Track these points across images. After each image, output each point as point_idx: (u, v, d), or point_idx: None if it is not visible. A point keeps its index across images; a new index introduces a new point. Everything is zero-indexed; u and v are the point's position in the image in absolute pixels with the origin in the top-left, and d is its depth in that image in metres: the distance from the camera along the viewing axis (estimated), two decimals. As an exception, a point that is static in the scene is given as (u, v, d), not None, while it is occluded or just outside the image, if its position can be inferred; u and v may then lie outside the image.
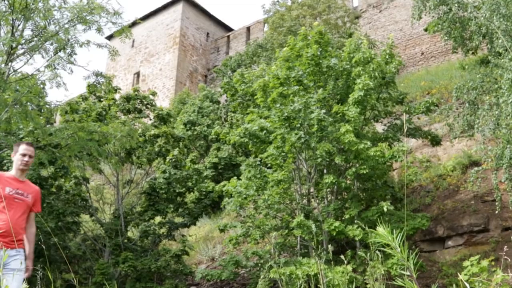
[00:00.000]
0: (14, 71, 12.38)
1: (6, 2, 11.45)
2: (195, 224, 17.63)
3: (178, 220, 17.55)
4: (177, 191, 16.81)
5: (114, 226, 16.14)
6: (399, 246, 2.24)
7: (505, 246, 8.06)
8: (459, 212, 14.23)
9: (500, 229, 13.32)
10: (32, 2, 11.52)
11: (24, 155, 5.16)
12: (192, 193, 17.67)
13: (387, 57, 13.55)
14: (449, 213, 14.39)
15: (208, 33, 41.95)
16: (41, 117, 13.67)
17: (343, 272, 9.87)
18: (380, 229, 2.30)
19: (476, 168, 12.70)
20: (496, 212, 12.33)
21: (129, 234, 17.48)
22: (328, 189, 12.71)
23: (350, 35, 21.27)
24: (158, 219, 17.23)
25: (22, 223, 5.07)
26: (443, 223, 14.15)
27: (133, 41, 40.76)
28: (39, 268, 7.30)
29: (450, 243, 13.89)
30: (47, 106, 13.98)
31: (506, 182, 11.38)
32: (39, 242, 13.57)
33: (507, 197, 12.17)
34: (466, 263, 9.09)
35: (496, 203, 11.98)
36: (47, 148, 13.06)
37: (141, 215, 16.76)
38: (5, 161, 14.88)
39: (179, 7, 40.39)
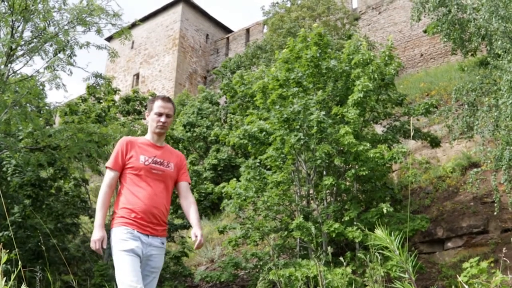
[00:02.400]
0: (14, 72, 12.39)
1: (6, 3, 11.46)
2: (194, 226, 17.58)
3: (177, 221, 17.54)
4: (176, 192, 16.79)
5: (114, 227, 16.12)
6: (398, 249, 2.24)
7: (504, 248, 8.05)
8: (458, 214, 14.23)
9: (499, 231, 13.32)
10: (32, 3, 11.54)
11: (159, 114, 3.99)
12: (191, 194, 17.64)
13: (386, 58, 13.55)
14: (448, 215, 14.39)
15: (207, 35, 41.95)
16: (41, 118, 13.69)
17: (342, 274, 9.87)
18: (379, 231, 2.30)
19: (475, 170, 12.70)
20: (495, 213, 12.33)
21: (129, 235, 17.45)
22: (328, 191, 12.71)
23: (349, 37, 21.25)
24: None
25: (165, 201, 3.94)
26: (442, 225, 14.15)
27: (133, 42, 40.75)
28: (38, 269, 7.30)
29: (449, 244, 13.88)
30: (46, 107, 14.00)
31: (505, 184, 11.38)
32: (39, 244, 13.60)
33: (507, 198, 12.17)
34: (465, 264, 9.10)
35: (495, 205, 11.98)
36: (46, 150, 13.06)
37: (140, 216, 16.73)
38: (4, 163, 14.88)
39: (178, 9, 40.39)
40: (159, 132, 4.01)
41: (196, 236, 3.83)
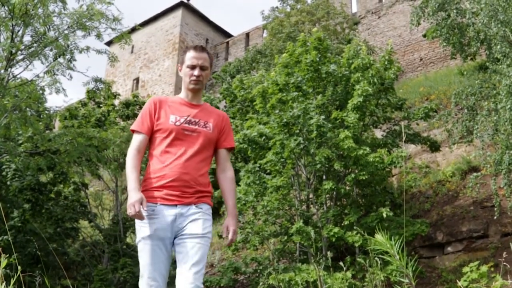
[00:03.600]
0: (14, 76, 12.41)
1: (6, 8, 11.47)
2: (194, 230, 17.57)
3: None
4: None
5: (113, 232, 16.13)
6: (398, 254, 2.24)
7: (505, 252, 8.05)
8: (458, 218, 14.22)
9: (499, 235, 13.30)
10: (32, 8, 11.55)
11: (192, 67, 3.41)
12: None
13: (386, 63, 13.57)
14: (448, 219, 14.38)
15: (207, 39, 41.98)
16: (40, 123, 13.69)
17: (342, 279, 9.86)
18: (379, 236, 2.30)
19: (475, 174, 12.69)
20: (495, 217, 12.32)
21: (128, 240, 17.46)
22: (327, 195, 12.70)
23: (349, 41, 21.29)
24: (157, 224, 17.20)
25: (201, 167, 3.33)
26: (442, 229, 14.13)
27: (133, 47, 40.77)
28: (37, 274, 7.29)
29: (449, 249, 13.86)
30: (46, 111, 14.00)
31: (505, 188, 11.38)
32: (37, 249, 13.60)
33: (506, 202, 12.17)
34: (465, 269, 9.11)
35: (495, 209, 11.98)
36: (46, 154, 13.06)
37: (140, 221, 16.74)
38: (4, 167, 14.88)
39: (178, 13, 40.44)
40: (193, 89, 3.43)
41: (228, 231, 3.29)
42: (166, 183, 3.19)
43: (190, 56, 3.41)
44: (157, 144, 3.34)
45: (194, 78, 3.38)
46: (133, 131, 3.42)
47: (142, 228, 3.16)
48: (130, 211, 3.01)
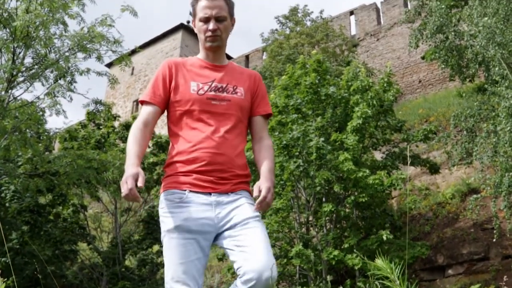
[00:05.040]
0: (14, 98, 12.44)
1: (8, 30, 11.55)
2: (193, 253, 17.48)
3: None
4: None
5: (112, 254, 16.05)
6: (398, 278, 2.22)
7: (505, 276, 7.99)
8: (458, 240, 14.15)
9: (500, 257, 13.23)
10: (34, 30, 11.63)
11: (206, 19, 2.64)
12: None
13: (385, 85, 13.61)
14: (448, 241, 14.31)
15: (207, 61, 42.21)
16: (40, 144, 13.71)
17: (342, 302, 9.79)
18: (379, 260, 2.29)
19: (475, 196, 12.67)
20: (496, 240, 12.26)
21: (127, 262, 17.36)
22: (327, 218, 12.66)
23: (348, 63, 21.39)
24: (156, 247, 17.12)
25: (236, 144, 2.65)
26: (443, 252, 14.06)
27: (133, 69, 40.98)
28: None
29: (450, 271, 13.78)
30: (46, 133, 14.02)
31: (505, 210, 11.34)
32: (35, 272, 13.50)
33: (507, 224, 12.12)
34: (466, 292, 9.04)
35: (495, 231, 11.93)
36: (45, 176, 13.05)
37: (139, 243, 16.67)
38: (3, 188, 14.85)
39: (178, 36, 40.72)
40: (210, 47, 2.69)
41: (260, 191, 2.49)
42: (197, 167, 2.52)
43: (202, 6, 2.65)
44: (179, 120, 2.67)
45: (209, 34, 2.64)
46: (142, 102, 2.75)
47: (166, 219, 2.49)
48: (122, 190, 2.29)
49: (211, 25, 2.62)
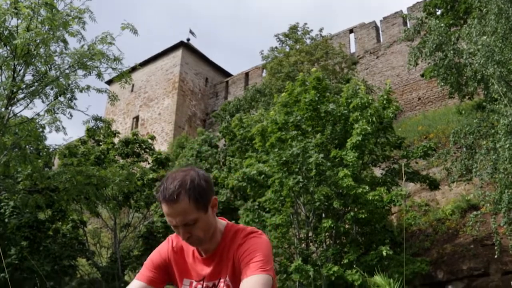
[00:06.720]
0: (14, 115, 12.47)
1: (9, 47, 11.62)
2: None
3: None
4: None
5: (111, 270, 16.00)
6: (397, 289, 2.24)
7: (506, 292, 7.98)
8: (458, 256, 14.12)
9: (500, 273, 13.20)
10: (34, 48, 11.69)
11: (173, 226, 2.26)
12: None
13: (384, 102, 13.67)
14: (448, 257, 14.28)
15: (207, 78, 42.35)
16: (40, 161, 13.70)
17: (342, 318, 9.75)
18: (378, 278, 2.30)
19: (475, 212, 12.66)
20: (496, 256, 12.24)
21: (126, 278, 17.28)
22: (327, 233, 12.64)
23: (347, 81, 21.47)
24: (155, 263, 17.04)
25: None
26: (443, 267, 14.02)
27: (133, 85, 41.09)
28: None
29: (450, 287, 13.73)
30: (45, 149, 14.03)
31: (505, 226, 11.34)
32: (35, 287, 13.46)
33: (507, 241, 12.10)
34: (466, 309, 9.01)
35: (495, 247, 11.91)
36: (45, 192, 13.05)
37: (138, 259, 16.63)
38: (2, 204, 14.84)
39: (178, 53, 40.90)
40: (196, 247, 2.46)
41: None
42: None
43: (165, 211, 2.24)
44: None
45: (185, 240, 2.33)
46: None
47: None
48: None
49: (181, 234, 2.29)
